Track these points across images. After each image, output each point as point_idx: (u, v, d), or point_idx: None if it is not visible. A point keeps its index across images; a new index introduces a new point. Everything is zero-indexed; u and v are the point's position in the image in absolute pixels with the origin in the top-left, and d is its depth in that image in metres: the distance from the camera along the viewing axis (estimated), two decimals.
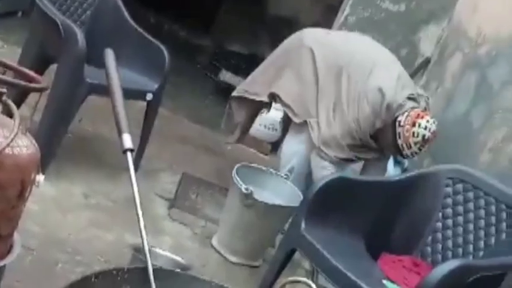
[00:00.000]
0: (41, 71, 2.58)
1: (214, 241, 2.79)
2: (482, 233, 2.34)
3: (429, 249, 2.42)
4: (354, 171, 3.07)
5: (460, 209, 2.40)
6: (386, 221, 2.40)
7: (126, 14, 3.07)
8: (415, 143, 2.68)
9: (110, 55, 1.82)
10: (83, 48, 2.53)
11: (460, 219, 2.39)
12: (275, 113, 3.61)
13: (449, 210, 2.42)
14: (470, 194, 2.40)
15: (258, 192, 2.71)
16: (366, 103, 2.78)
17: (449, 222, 2.41)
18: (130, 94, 2.45)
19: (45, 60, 2.76)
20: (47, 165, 2.40)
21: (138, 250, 2.15)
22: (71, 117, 2.72)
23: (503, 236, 2.29)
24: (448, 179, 2.44)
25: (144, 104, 2.99)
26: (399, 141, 2.72)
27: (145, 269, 1.62)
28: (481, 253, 2.31)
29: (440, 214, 2.43)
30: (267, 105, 3.27)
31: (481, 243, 2.32)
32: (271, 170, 3.00)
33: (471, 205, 2.40)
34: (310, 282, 1.73)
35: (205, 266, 2.61)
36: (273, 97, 3.08)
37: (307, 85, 2.95)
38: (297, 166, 3.00)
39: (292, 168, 3.01)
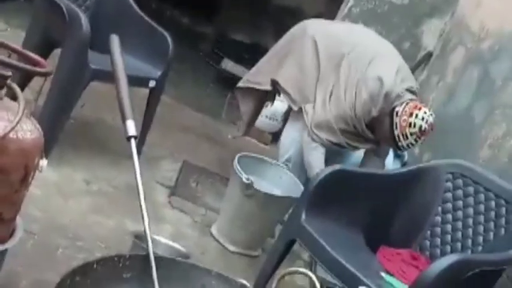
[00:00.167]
0: (44, 55, 2.57)
1: (214, 230, 2.80)
2: (481, 228, 2.35)
3: (428, 243, 2.43)
4: (354, 165, 3.07)
5: (460, 203, 2.41)
6: (385, 214, 2.41)
7: None
8: (411, 134, 2.68)
9: (115, 41, 1.82)
10: (87, 33, 2.53)
11: (460, 213, 2.41)
12: (278, 104, 3.62)
13: (448, 205, 2.43)
14: (470, 189, 2.41)
15: (258, 182, 2.72)
16: (364, 90, 2.78)
17: (449, 216, 2.42)
18: (133, 81, 2.43)
19: (49, 45, 2.75)
20: (49, 150, 2.40)
21: (139, 237, 2.16)
22: (74, 103, 2.71)
23: (502, 231, 2.30)
24: (449, 174, 2.45)
25: (147, 91, 2.99)
26: (396, 132, 2.72)
27: (147, 256, 1.63)
28: (480, 248, 2.33)
29: (439, 208, 2.44)
30: (272, 97, 3.28)
31: (480, 238, 2.33)
32: (272, 160, 3.01)
33: (471, 200, 2.40)
34: (309, 273, 1.74)
35: (204, 254, 2.62)
36: (274, 84, 3.09)
37: (307, 73, 2.95)
38: (294, 154, 3.01)
39: (290, 157, 3.02)
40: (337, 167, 2.32)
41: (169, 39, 2.94)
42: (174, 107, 3.88)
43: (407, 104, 2.72)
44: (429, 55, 3.81)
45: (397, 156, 3.31)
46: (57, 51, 2.74)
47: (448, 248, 2.41)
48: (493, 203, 2.35)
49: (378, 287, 2.01)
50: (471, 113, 3.12)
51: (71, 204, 2.51)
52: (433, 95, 3.50)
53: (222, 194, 2.99)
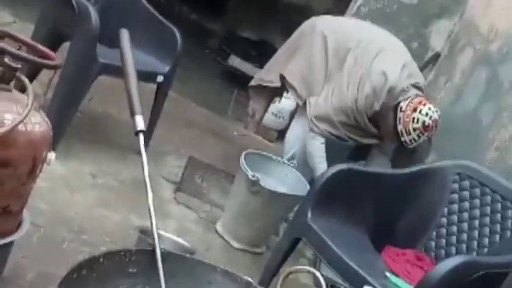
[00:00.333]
0: (53, 48, 2.56)
1: (219, 226, 2.80)
2: (487, 230, 2.34)
3: (433, 244, 2.43)
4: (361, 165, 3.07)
5: (466, 205, 2.41)
6: (391, 214, 2.41)
7: None
8: (415, 129, 2.67)
9: (125, 36, 1.81)
10: (96, 26, 2.52)
11: (466, 215, 2.40)
12: (284, 101, 3.62)
13: (455, 206, 2.42)
14: (477, 191, 2.41)
15: (264, 180, 2.71)
16: (367, 84, 2.77)
17: (455, 218, 2.41)
18: (141, 76, 2.42)
19: (57, 38, 2.75)
20: (56, 143, 2.40)
21: (144, 232, 2.17)
22: (82, 96, 2.71)
23: (508, 233, 2.30)
24: (455, 175, 2.44)
25: (154, 86, 2.99)
26: (399, 127, 2.71)
27: (153, 251, 1.63)
28: (485, 250, 2.32)
29: (445, 209, 2.44)
30: (281, 93, 3.28)
31: (486, 241, 2.33)
32: (278, 157, 3.01)
33: (477, 202, 2.40)
34: (315, 271, 1.74)
35: (209, 250, 2.62)
36: (282, 79, 3.09)
37: (315, 68, 2.95)
38: (299, 151, 3.02)
39: (294, 154, 3.03)
40: (343, 166, 2.32)
41: (177, 34, 2.94)
42: (181, 102, 3.88)
43: (412, 99, 2.71)
44: (437, 56, 3.80)
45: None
46: (65, 45, 2.75)
47: (454, 249, 2.40)
48: (499, 205, 2.35)
49: (382, 287, 2.01)
50: (478, 114, 3.10)
51: (77, 197, 2.51)
52: (440, 95, 3.48)
53: (227, 190, 2.99)
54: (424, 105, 2.68)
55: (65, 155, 2.62)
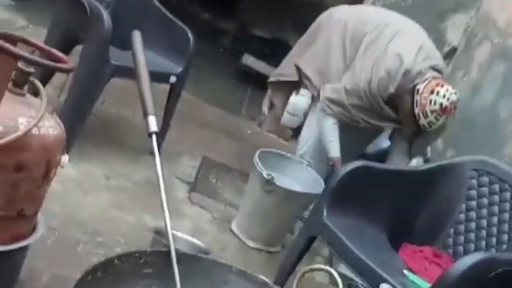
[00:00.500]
0: (66, 52, 2.57)
1: (233, 226, 2.79)
2: (506, 226, 2.31)
3: (451, 240, 2.39)
4: None
5: (485, 201, 2.37)
6: (408, 211, 2.38)
7: None
8: (432, 112, 2.61)
9: (137, 37, 1.81)
10: (109, 29, 2.53)
11: (484, 211, 2.36)
12: (299, 99, 3.60)
13: (473, 203, 2.38)
14: (496, 187, 2.37)
15: (278, 178, 2.70)
16: (381, 67, 2.73)
17: (473, 214, 2.38)
18: (154, 76, 2.41)
19: (70, 41, 2.75)
20: (70, 146, 2.41)
21: (159, 233, 2.16)
22: (95, 99, 2.72)
23: None
24: (473, 171, 2.40)
25: (167, 86, 2.99)
26: (416, 110, 2.65)
27: (168, 252, 1.62)
28: (505, 247, 2.28)
29: (463, 206, 2.40)
30: (298, 87, 3.27)
31: (505, 237, 2.29)
32: (293, 156, 2.99)
33: (496, 198, 2.36)
34: (332, 270, 1.72)
35: (224, 250, 2.61)
36: (298, 71, 3.07)
37: (333, 57, 2.92)
38: (313, 148, 2.99)
39: (307, 151, 3.02)
40: (359, 163, 2.29)
41: (190, 34, 2.93)
42: (194, 102, 3.88)
43: (429, 81, 2.65)
44: (454, 50, 3.76)
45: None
46: (77, 48, 2.75)
47: (472, 246, 2.37)
48: None
49: (400, 285, 1.98)
50: (496, 109, 3.06)
51: (90, 199, 2.52)
52: (457, 89, 3.44)
53: (241, 190, 2.98)
54: (442, 86, 2.62)
55: (79, 157, 2.62)
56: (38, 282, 1.93)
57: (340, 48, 2.91)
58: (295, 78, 3.11)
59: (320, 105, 2.90)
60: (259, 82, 4.51)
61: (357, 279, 2.25)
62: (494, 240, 2.33)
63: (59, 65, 1.67)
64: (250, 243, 2.73)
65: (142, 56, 1.77)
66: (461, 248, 2.39)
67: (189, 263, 1.67)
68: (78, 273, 1.45)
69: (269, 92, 3.32)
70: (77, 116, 2.63)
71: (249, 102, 4.43)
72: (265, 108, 3.41)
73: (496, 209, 2.34)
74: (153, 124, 1.73)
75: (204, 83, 4.25)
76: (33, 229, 1.72)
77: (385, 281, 1.95)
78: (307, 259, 2.35)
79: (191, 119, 3.66)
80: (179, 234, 2.28)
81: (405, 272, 2.17)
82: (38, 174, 1.61)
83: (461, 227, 2.39)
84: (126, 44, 2.09)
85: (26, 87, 1.64)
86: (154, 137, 1.73)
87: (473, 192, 2.39)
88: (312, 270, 1.75)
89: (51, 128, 1.62)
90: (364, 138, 3.12)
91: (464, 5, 3.75)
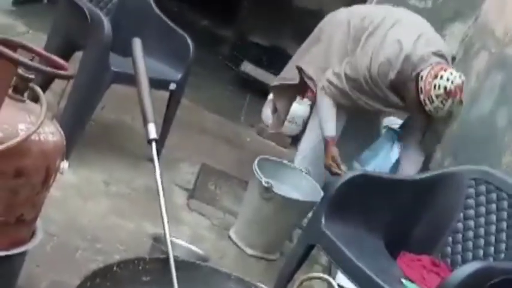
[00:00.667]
0: (66, 58, 2.58)
1: (232, 233, 2.79)
2: (504, 235, 2.31)
3: (449, 249, 2.40)
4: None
5: (482, 210, 2.37)
6: (407, 219, 2.38)
7: (152, 2, 3.07)
8: (437, 96, 2.58)
9: (137, 44, 1.81)
10: (109, 35, 2.54)
11: (482, 220, 2.37)
12: (298, 107, 3.62)
13: (471, 211, 2.39)
14: (493, 195, 2.37)
15: (277, 186, 2.70)
16: (381, 53, 2.74)
17: (471, 223, 2.38)
18: (154, 83, 2.42)
19: (70, 47, 2.77)
20: (69, 152, 2.41)
21: (158, 240, 2.16)
22: (95, 105, 2.73)
23: None
24: (471, 180, 2.41)
25: (167, 93, 3.00)
26: (421, 96, 2.63)
27: (167, 259, 1.62)
28: (502, 256, 2.28)
29: (461, 214, 2.40)
30: (302, 91, 3.28)
31: (503, 246, 2.29)
32: (292, 164, 3.00)
33: (494, 207, 2.36)
34: (330, 278, 1.72)
35: (223, 257, 2.61)
36: (300, 72, 3.07)
37: (334, 53, 2.93)
38: (312, 156, 3.00)
39: (304, 158, 3.03)
40: (357, 172, 2.30)
41: (190, 42, 2.95)
42: (193, 109, 3.89)
43: (432, 67, 2.64)
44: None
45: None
46: (78, 54, 2.76)
47: (470, 255, 2.37)
48: None
49: None
50: (494, 118, 3.07)
51: (90, 206, 2.52)
52: None
53: (240, 197, 2.98)
54: (445, 70, 2.60)
55: (78, 163, 2.63)
56: None
57: (342, 44, 2.91)
58: (296, 81, 3.12)
59: (320, 84, 2.90)
60: (257, 89, 4.54)
61: None
62: (492, 249, 2.33)
63: (59, 71, 1.68)
64: (249, 251, 2.73)
65: (143, 63, 1.78)
66: (459, 257, 2.39)
67: (188, 270, 1.67)
68: (76, 280, 1.45)
69: (272, 96, 3.34)
70: (76, 122, 2.64)
71: (247, 110, 4.44)
72: (268, 111, 3.41)
73: (493, 218, 2.35)
74: (153, 131, 1.73)
75: (203, 90, 4.26)
76: (32, 235, 1.72)
77: None
78: (305, 267, 2.35)
79: (190, 126, 3.66)
80: (178, 241, 2.28)
81: (403, 280, 2.17)
82: (37, 180, 1.61)
83: (459, 236, 2.39)
84: (126, 51, 2.09)
85: (26, 94, 1.64)
86: (154, 144, 1.73)
87: (471, 201, 2.39)
88: (310, 278, 1.75)
89: (51, 134, 1.62)
90: (369, 124, 3.11)
91: (462, 15, 3.77)
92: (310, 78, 3.00)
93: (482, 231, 2.37)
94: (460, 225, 2.40)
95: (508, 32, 3.22)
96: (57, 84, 2.52)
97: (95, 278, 1.49)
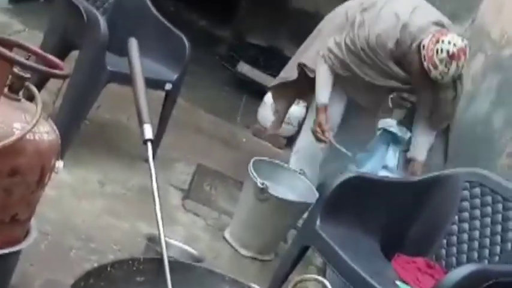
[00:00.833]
0: (62, 57, 2.58)
1: (227, 234, 2.79)
2: (498, 238, 2.31)
3: (444, 251, 2.40)
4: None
5: (477, 212, 2.38)
6: (401, 221, 2.39)
7: (148, 1, 3.07)
8: (441, 61, 2.56)
9: (133, 45, 1.82)
10: (105, 35, 2.53)
11: (477, 223, 2.37)
12: (293, 108, 3.61)
13: (466, 214, 2.39)
14: (488, 198, 2.37)
15: (272, 187, 2.70)
16: (378, 25, 2.73)
17: (466, 225, 2.39)
18: (149, 83, 2.42)
19: (66, 46, 2.76)
20: (64, 151, 2.40)
21: (152, 240, 2.16)
22: (91, 104, 2.72)
23: None
24: (466, 182, 2.41)
25: (163, 93, 2.99)
26: (425, 64, 2.61)
27: (161, 260, 1.62)
28: (497, 258, 2.29)
29: (456, 217, 2.41)
30: (304, 94, 3.27)
31: (497, 249, 2.30)
32: (288, 165, 3.00)
33: (488, 209, 2.37)
34: (324, 280, 1.72)
35: (217, 258, 2.61)
36: (302, 69, 3.07)
37: (333, 32, 2.92)
38: (307, 157, 3.00)
39: (299, 160, 3.03)
40: (352, 173, 2.30)
41: (186, 42, 2.94)
42: (189, 109, 3.88)
43: (434, 35, 2.62)
44: None
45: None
46: (73, 53, 2.76)
47: (464, 257, 2.37)
48: (511, 213, 2.31)
49: None
50: (490, 120, 3.07)
51: (84, 205, 2.51)
52: None
53: (235, 197, 2.98)
54: (446, 35, 2.59)
55: (73, 163, 2.62)
56: (31, 287, 1.93)
57: (340, 26, 2.91)
58: (295, 77, 3.10)
59: (321, 52, 2.89)
60: (254, 90, 4.54)
61: None
62: (486, 251, 2.34)
63: (54, 71, 1.67)
64: (244, 252, 2.73)
65: (139, 64, 1.78)
66: (453, 259, 2.39)
67: (182, 271, 1.67)
68: (70, 279, 1.45)
69: (271, 96, 3.35)
70: (72, 122, 2.63)
71: (244, 110, 4.44)
72: (268, 113, 3.39)
73: (488, 220, 2.35)
74: (148, 132, 1.74)
75: (199, 90, 4.25)
76: (27, 234, 1.71)
77: None
78: (300, 268, 2.35)
79: (186, 126, 3.66)
80: (172, 241, 2.27)
81: (398, 282, 2.18)
82: (32, 180, 1.61)
83: (454, 238, 2.40)
84: (122, 50, 2.09)
85: (21, 92, 1.64)
86: (149, 144, 1.73)
87: (466, 204, 2.40)
88: (305, 280, 1.75)
89: (46, 133, 1.62)
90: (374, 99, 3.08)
91: (458, 17, 3.77)
92: (313, 71, 2.99)
93: (477, 233, 2.37)
94: (454, 227, 2.41)
95: (504, 35, 3.23)
96: (53, 83, 2.51)
97: (88, 277, 1.49)
